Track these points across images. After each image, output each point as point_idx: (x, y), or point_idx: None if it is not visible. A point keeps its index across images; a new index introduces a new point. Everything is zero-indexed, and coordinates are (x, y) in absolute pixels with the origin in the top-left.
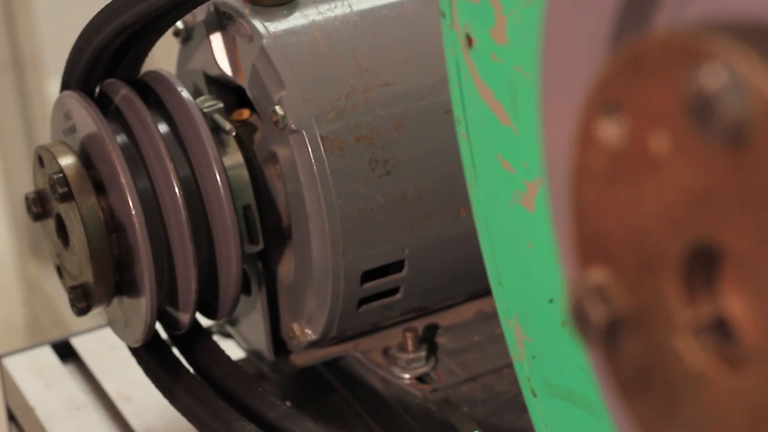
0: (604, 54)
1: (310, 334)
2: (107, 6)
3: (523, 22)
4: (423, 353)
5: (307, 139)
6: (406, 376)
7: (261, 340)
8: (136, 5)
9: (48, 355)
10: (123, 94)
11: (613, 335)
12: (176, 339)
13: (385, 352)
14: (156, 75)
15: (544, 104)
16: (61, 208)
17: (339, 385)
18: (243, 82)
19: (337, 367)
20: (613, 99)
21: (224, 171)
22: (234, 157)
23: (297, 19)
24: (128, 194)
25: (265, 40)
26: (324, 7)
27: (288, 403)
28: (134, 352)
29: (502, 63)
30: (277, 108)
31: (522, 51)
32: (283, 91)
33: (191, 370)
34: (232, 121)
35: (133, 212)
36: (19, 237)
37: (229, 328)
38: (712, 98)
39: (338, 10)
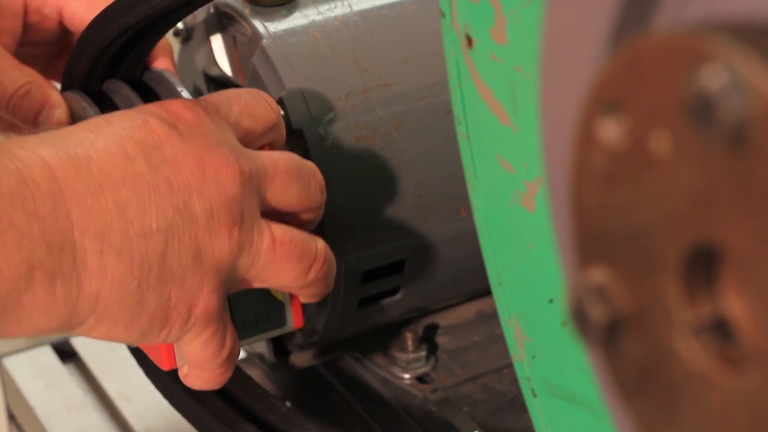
0: (604, 54)
1: (311, 334)
2: (109, 7)
3: (523, 22)
4: (423, 353)
5: (307, 139)
6: (406, 376)
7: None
8: (137, 6)
9: (48, 355)
10: (123, 94)
11: (613, 335)
12: None
13: (385, 352)
14: (156, 75)
15: (544, 104)
16: None
17: (339, 385)
18: (243, 82)
19: (337, 367)
20: (613, 99)
21: None
22: None
23: (297, 20)
24: None
25: (265, 40)
26: (324, 7)
27: (288, 404)
28: (134, 352)
29: (502, 63)
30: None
31: (522, 51)
32: (283, 91)
33: None
34: None
35: None
36: None
37: None
38: (713, 99)
39: (338, 10)
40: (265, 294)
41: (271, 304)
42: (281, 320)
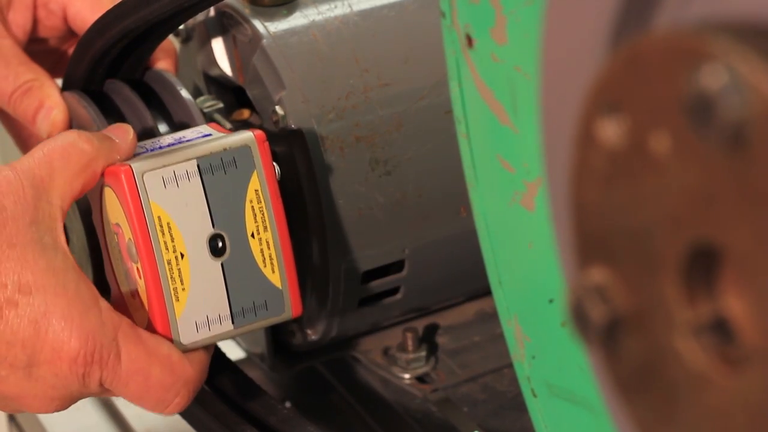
0: (604, 54)
1: (311, 334)
2: (110, 11)
3: (523, 22)
4: (423, 353)
5: (307, 139)
6: (406, 376)
7: (261, 340)
8: (138, 11)
9: None
10: (124, 94)
11: (613, 335)
12: None
13: (385, 352)
14: (156, 75)
15: (544, 104)
16: None
17: (339, 385)
18: (243, 82)
19: (337, 367)
20: (613, 99)
21: None
22: None
23: (297, 19)
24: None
25: (265, 40)
26: (324, 7)
27: (288, 404)
28: None
29: (502, 63)
30: (277, 108)
31: (522, 51)
32: (283, 91)
33: None
34: (232, 121)
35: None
36: None
37: None
38: (712, 98)
39: (338, 10)
40: (263, 281)
41: (270, 292)
42: (280, 308)
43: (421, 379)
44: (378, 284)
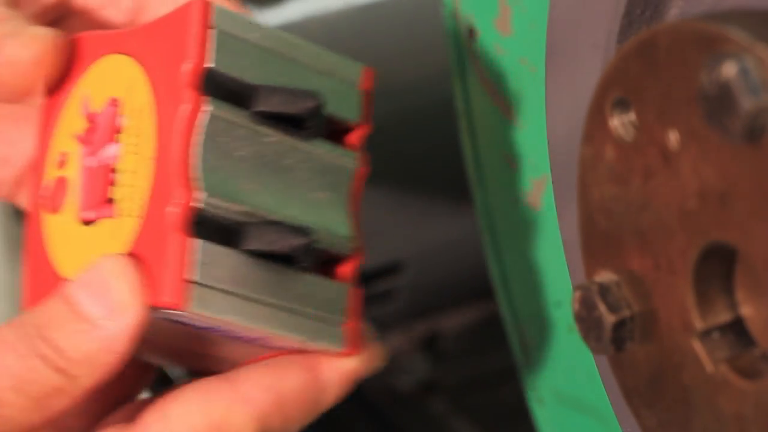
0: (614, 44)
1: None
2: None
3: (529, 11)
4: (423, 353)
5: None
6: (407, 376)
7: None
8: None
9: None
10: None
11: (623, 340)
12: None
13: (385, 353)
14: None
15: (551, 98)
16: None
17: None
18: None
19: None
20: (623, 91)
21: None
22: None
23: (293, 14)
24: None
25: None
26: (322, 2)
27: None
28: None
29: (506, 55)
30: None
31: (528, 42)
32: None
33: None
34: None
35: None
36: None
37: None
38: (728, 89)
39: (337, 4)
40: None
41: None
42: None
43: (421, 380)
44: (377, 285)
